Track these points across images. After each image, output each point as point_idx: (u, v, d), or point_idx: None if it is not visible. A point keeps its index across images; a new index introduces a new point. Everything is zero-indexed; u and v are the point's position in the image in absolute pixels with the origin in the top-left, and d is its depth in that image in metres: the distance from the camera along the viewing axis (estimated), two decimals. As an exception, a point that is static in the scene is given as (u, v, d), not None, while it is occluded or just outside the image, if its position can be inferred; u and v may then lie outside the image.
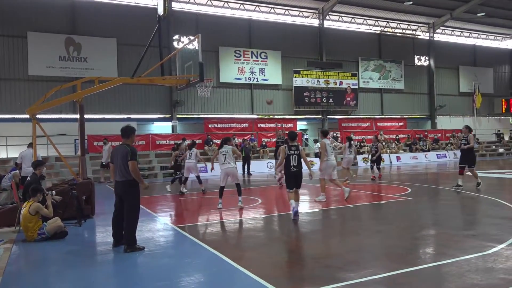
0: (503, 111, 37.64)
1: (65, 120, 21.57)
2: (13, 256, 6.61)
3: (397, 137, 29.50)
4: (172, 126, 25.10)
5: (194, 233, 7.80)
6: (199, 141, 23.22)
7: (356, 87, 30.48)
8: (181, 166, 14.49)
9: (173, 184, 14.78)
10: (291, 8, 28.77)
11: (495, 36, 38.13)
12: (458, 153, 28.40)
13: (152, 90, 24.37)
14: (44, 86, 21.10)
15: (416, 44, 33.94)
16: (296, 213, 8.68)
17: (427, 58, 34.41)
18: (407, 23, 33.30)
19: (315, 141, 27.05)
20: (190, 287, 4.91)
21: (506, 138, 35.48)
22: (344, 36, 30.73)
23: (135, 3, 24.30)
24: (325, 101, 29.29)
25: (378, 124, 31.38)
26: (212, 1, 26.37)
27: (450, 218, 8.57)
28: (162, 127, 25.61)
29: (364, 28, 31.94)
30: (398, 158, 26.84)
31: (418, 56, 34.12)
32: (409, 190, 12.80)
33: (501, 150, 32.21)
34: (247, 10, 27.50)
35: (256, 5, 27.54)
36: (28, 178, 9.16)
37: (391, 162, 26.21)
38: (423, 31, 34.36)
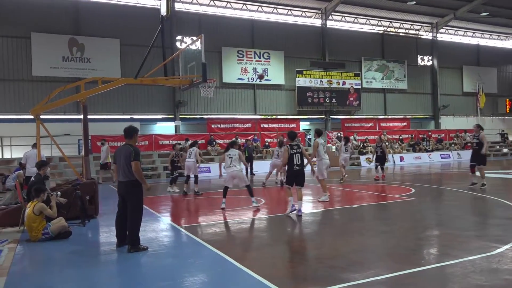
0: (507, 111, 37.47)
1: (69, 120, 21.66)
2: (17, 255, 6.63)
3: (401, 137, 29.42)
4: (175, 127, 25.15)
5: (197, 233, 7.80)
6: (202, 141, 23.25)
7: (359, 87, 30.44)
8: (178, 167, 14.63)
9: (173, 185, 14.76)
10: (294, 8, 28.76)
11: (499, 35, 37.99)
12: (462, 153, 28.88)
13: (155, 91, 24.42)
14: (48, 86, 21.16)
15: (419, 44, 33.87)
16: (299, 211, 9.01)
17: (430, 58, 34.32)
18: (410, 23, 33.23)
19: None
20: (193, 287, 4.91)
21: (510, 138, 35.30)
22: (347, 36, 30.70)
23: (138, 3, 24.35)
24: (328, 101, 29.27)
25: (381, 124, 31.31)
26: (215, 2, 26.40)
27: (454, 219, 8.53)
28: (165, 128, 25.64)
29: (367, 28, 31.89)
30: (401, 159, 26.77)
31: (421, 56, 34.03)
32: (413, 190, 12.76)
33: (505, 150, 32.07)
34: (250, 11, 27.51)
35: (259, 5, 27.55)
36: (32, 178, 9.18)
37: (394, 162, 26.11)
38: (426, 31, 34.27)
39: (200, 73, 11.50)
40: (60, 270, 5.93)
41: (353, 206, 10.43)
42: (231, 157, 10.29)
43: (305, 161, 9.65)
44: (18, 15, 21.51)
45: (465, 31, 36.19)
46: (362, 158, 26.21)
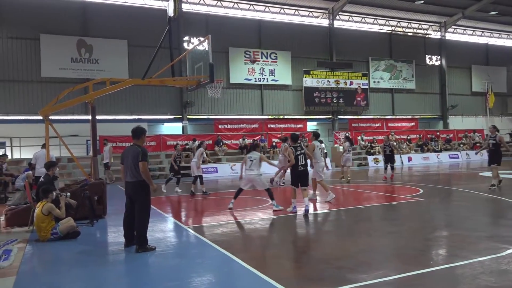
0: (517, 111, 37.14)
1: (77, 121, 21.83)
2: (26, 255, 6.69)
3: (409, 137, 29.26)
4: (183, 127, 25.22)
5: (205, 234, 7.81)
6: (209, 141, 23.29)
7: (367, 87, 30.31)
8: (178, 168, 14.81)
9: (165, 185, 14.88)
10: (301, 8, 28.71)
11: (508, 34, 37.59)
12: (471, 153, 28.63)
13: (162, 91, 24.52)
14: (57, 87, 21.33)
15: (427, 44, 33.64)
16: (307, 208, 9.32)
17: (438, 57, 34.07)
18: (418, 22, 33.02)
19: (320, 142, 26.99)
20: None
21: (520, 138, 34.98)
22: (354, 36, 30.57)
23: (145, 5, 24.46)
24: (335, 101, 29.18)
25: (389, 124, 31.14)
26: (222, 2, 26.44)
27: (463, 219, 8.47)
28: (173, 128, 25.73)
29: (375, 28, 31.75)
30: (409, 159, 26.62)
31: (430, 56, 33.79)
32: (421, 191, 12.68)
33: (514, 150, 31.74)
34: (257, 11, 27.51)
35: (266, 6, 27.55)
36: (41, 178, 9.26)
37: (402, 162, 25.99)
38: (434, 30, 34.03)
39: (208, 73, 11.51)
40: (68, 270, 5.97)
41: (360, 206, 10.39)
42: (252, 160, 10.24)
43: (309, 162, 9.91)
44: (27, 17, 21.72)
45: (473, 30, 35.88)
46: (370, 158, 26.12)
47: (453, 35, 34.98)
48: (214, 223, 8.99)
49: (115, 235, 8.01)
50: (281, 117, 28.08)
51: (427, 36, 33.82)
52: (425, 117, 33.73)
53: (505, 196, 10.90)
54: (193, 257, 6.33)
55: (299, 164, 9.51)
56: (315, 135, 11.91)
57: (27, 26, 21.78)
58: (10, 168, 15.54)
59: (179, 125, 25.42)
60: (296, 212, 9.50)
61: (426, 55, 33.61)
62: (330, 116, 29.77)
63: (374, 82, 31.11)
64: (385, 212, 9.89)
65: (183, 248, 7.13)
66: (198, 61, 12.44)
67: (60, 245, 7.29)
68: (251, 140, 23.95)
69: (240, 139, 24.88)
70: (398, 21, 32.16)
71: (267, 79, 27.41)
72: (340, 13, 29.33)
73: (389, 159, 16.53)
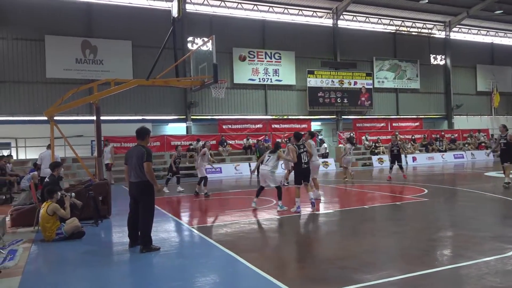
0: (522, 110, 36.91)
1: (82, 121, 21.90)
2: (32, 255, 6.72)
3: (413, 137, 29.15)
4: (187, 127, 25.26)
5: (209, 234, 7.82)
6: (213, 142, 23.31)
7: (371, 87, 30.24)
8: (177, 168, 14.90)
9: (166, 186, 14.92)
10: (305, 8, 28.68)
11: (514, 34, 37.43)
12: (476, 153, 28.49)
13: (167, 92, 24.57)
14: (61, 88, 21.43)
15: (432, 43, 33.51)
16: (312, 200, 9.85)
17: (443, 57, 33.94)
18: (422, 21, 32.90)
19: (322, 141, 27.06)
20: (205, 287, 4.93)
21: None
22: (359, 36, 30.50)
23: (149, 5, 24.52)
24: (339, 101, 29.13)
25: (394, 124, 31.04)
26: (226, 3, 26.46)
27: (468, 220, 8.43)
28: (177, 128, 25.77)
29: (379, 28, 31.66)
30: (414, 159, 26.52)
31: (434, 55, 33.67)
32: (426, 191, 12.63)
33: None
34: (261, 11, 27.51)
35: (270, 6, 27.54)
36: (47, 179, 9.30)
37: (407, 162, 25.87)
38: (439, 30, 33.89)
39: (211, 74, 11.53)
40: (73, 270, 5.99)
41: (365, 206, 10.36)
42: (269, 156, 10.31)
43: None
44: (32, 18, 21.82)
45: (478, 30, 35.71)
46: (374, 158, 26.05)
47: (457, 35, 34.82)
48: (218, 223, 9.01)
49: (120, 235, 8.03)
50: (285, 117, 28.06)
51: (432, 35, 33.69)
52: (429, 117, 33.59)
53: (510, 196, 10.84)
54: (197, 257, 6.34)
55: (303, 161, 9.83)
56: (311, 134, 12.08)
57: (32, 27, 21.89)
58: (16, 169, 15.61)
59: (183, 126, 25.45)
60: (300, 212, 9.51)
61: (431, 55, 33.49)
62: (334, 116, 29.71)
63: (379, 82, 31.03)
64: (390, 212, 9.87)
65: (187, 248, 7.14)
66: (202, 62, 12.46)
67: (65, 245, 7.32)
68: (255, 140, 23.99)
69: (244, 139, 24.89)
70: (403, 21, 32.06)
71: (271, 79, 27.41)
72: (344, 13, 29.29)
73: (396, 158, 16.53)
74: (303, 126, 27.50)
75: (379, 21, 31.35)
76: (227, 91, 25.96)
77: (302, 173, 9.90)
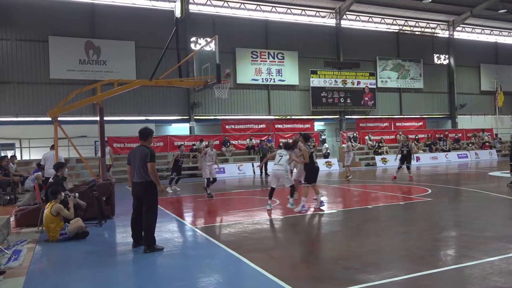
0: (527, 110, 36.73)
1: (86, 122, 21.97)
2: (36, 255, 6.75)
3: (417, 137, 29.07)
4: (190, 128, 25.29)
5: (212, 234, 7.83)
6: (217, 142, 23.33)
7: (374, 86, 30.18)
8: (181, 168, 14.97)
9: (172, 185, 14.92)
10: (308, 8, 28.66)
11: (518, 33, 37.27)
12: (480, 153, 28.40)
13: (170, 92, 24.62)
14: (65, 89, 21.52)
15: (435, 43, 33.41)
16: (322, 202, 10.04)
17: (446, 56, 33.83)
18: (426, 21, 32.80)
19: (323, 141, 27.02)
20: (209, 288, 4.93)
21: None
22: (362, 36, 30.44)
23: (153, 6, 24.57)
24: (342, 101, 29.09)
25: (397, 124, 30.98)
26: (229, 3, 26.48)
27: (472, 220, 8.39)
28: (180, 129, 25.82)
29: (382, 27, 31.60)
30: (417, 159, 26.41)
31: (438, 55, 33.57)
32: (429, 191, 12.60)
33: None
34: (264, 11, 27.52)
35: (273, 6, 27.55)
36: (51, 179, 9.33)
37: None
38: (442, 29, 33.79)
39: (215, 74, 11.53)
40: (77, 270, 6.01)
41: (368, 206, 10.34)
42: (281, 156, 10.25)
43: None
44: (36, 20, 21.92)
45: (482, 29, 35.58)
46: (378, 158, 26.00)
47: (461, 34, 34.70)
48: (222, 223, 9.02)
49: (123, 236, 8.05)
50: (288, 117, 28.05)
51: (435, 35, 33.58)
52: (433, 117, 33.50)
53: (515, 196, 10.80)
54: (201, 257, 6.34)
55: (314, 161, 10.04)
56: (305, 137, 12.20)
57: (35, 28, 21.98)
58: (20, 169, 15.68)
59: (186, 126, 25.49)
60: (306, 211, 9.51)
61: (434, 54, 33.39)
62: (338, 116, 29.68)
63: (382, 81, 30.96)
64: (394, 212, 9.84)
65: (190, 248, 7.15)
66: (205, 62, 12.46)
67: (69, 246, 7.34)
68: (258, 141, 23.98)
69: (247, 140, 24.90)
70: (406, 20, 31.98)
71: (274, 79, 27.41)
72: (347, 12, 29.24)
73: (405, 158, 16.49)
74: (306, 126, 27.49)
75: (382, 21, 31.29)
76: (230, 91, 25.87)
77: (315, 172, 10.07)
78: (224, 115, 26.29)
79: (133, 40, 23.80)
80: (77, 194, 8.87)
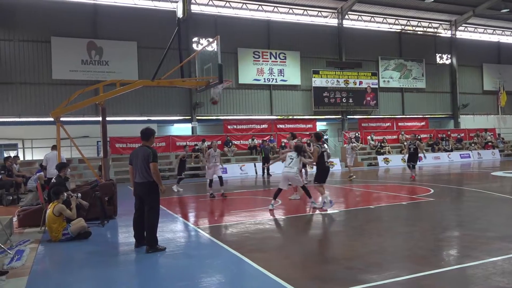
0: (529, 110, 36.61)
1: (88, 122, 22.03)
2: (38, 255, 6.76)
3: (419, 137, 28.94)
4: (192, 128, 25.33)
5: (214, 234, 7.83)
6: (219, 142, 23.32)
7: (376, 86, 30.15)
8: (185, 167, 15.23)
9: (178, 185, 15.00)
10: (310, 8, 28.66)
11: (520, 32, 37.16)
12: (482, 153, 28.31)
13: (172, 92, 24.65)
14: (67, 89, 21.59)
15: (437, 42, 33.35)
16: (331, 202, 9.89)
17: (449, 56, 33.77)
18: (428, 21, 32.76)
19: (325, 141, 26.99)
20: (211, 288, 4.94)
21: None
22: (364, 36, 30.42)
23: (155, 6, 24.60)
24: (344, 101, 29.08)
25: (399, 124, 30.93)
26: (231, 3, 26.50)
27: (475, 220, 8.37)
28: (182, 129, 25.85)
29: (384, 27, 31.57)
30: (420, 158, 26.31)
31: (440, 55, 33.52)
32: (432, 191, 12.57)
33: (527, 149, 31.35)
34: (266, 11, 27.52)
35: (275, 6, 27.55)
36: (53, 180, 9.35)
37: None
38: (444, 29, 33.72)
39: (217, 74, 11.54)
40: (80, 270, 6.02)
41: (370, 206, 10.33)
42: (292, 158, 10.27)
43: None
44: (38, 20, 22.00)
45: (485, 29, 35.50)
46: (380, 158, 25.96)
47: (464, 34, 34.63)
48: (224, 223, 9.01)
49: (126, 236, 8.06)
50: (290, 117, 28.04)
51: (437, 34, 33.52)
52: (435, 116, 33.45)
53: (517, 196, 10.77)
54: (203, 257, 6.34)
55: (326, 160, 10.06)
56: (293, 135, 12.52)
57: (38, 29, 22.05)
58: (22, 170, 15.72)
59: (188, 126, 25.52)
60: (333, 204, 9.84)
61: (437, 54, 33.33)
62: (340, 116, 29.66)
63: (384, 81, 30.93)
64: (396, 212, 9.82)
65: (193, 248, 7.15)
66: (207, 62, 12.47)
67: (71, 246, 7.35)
68: (261, 141, 23.97)
69: (249, 140, 24.90)
70: (408, 20, 31.94)
71: (276, 79, 27.41)
72: (349, 12, 29.23)
73: (412, 157, 16.46)
74: (308, 126, 27.48)
75: (385, 21, 31.26)
76: (232, 92, 26.08)
77: (327, 172, 10.14)
78: (226, 115, 26.30)
79: (135, 41, 23.84)
80: (79, 194, 8.89)
